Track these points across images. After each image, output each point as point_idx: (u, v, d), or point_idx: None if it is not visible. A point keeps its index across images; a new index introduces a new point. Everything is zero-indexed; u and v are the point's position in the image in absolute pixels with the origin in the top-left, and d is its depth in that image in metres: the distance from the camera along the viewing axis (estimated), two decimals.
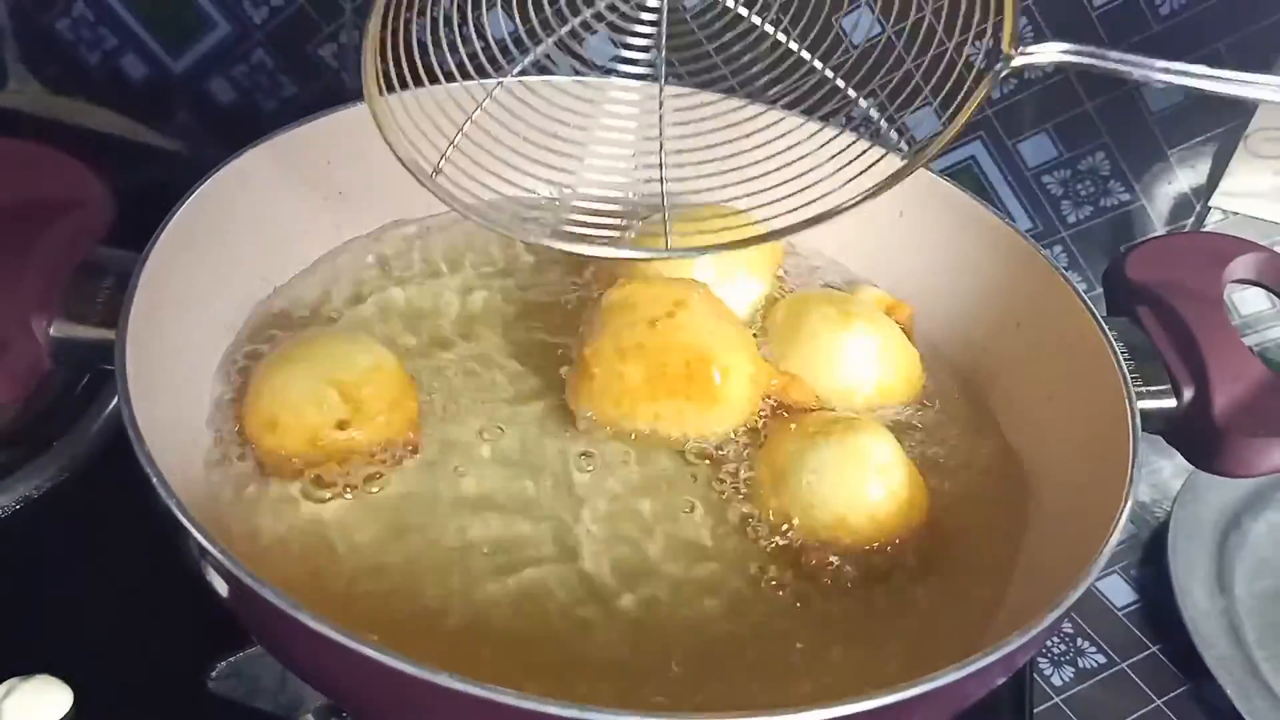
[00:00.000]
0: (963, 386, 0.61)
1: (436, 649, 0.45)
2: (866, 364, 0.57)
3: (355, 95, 0.83)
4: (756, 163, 0.54)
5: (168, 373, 0.50)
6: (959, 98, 0.51)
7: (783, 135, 0.54)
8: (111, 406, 0.61)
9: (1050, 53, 0.50)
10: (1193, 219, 0.76)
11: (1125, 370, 0.52)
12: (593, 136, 0.57)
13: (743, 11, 0.56)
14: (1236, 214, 0.76)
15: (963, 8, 0.50)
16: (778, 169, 0.53)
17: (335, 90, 0.83)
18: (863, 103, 0.55)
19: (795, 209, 0.53)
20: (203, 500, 0.49)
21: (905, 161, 0.53)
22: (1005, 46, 0.50)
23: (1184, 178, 0.74)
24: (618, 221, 0.55)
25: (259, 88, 0.84)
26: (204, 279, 0.53)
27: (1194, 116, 0.71)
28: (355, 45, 0.81)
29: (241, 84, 0.84)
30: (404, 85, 0.51)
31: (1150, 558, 0.70)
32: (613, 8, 0.54)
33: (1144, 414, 0.51)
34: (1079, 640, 0.67)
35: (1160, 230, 0.76)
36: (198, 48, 0.83)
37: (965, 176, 0.75)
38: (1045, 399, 0.57)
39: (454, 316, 0.60)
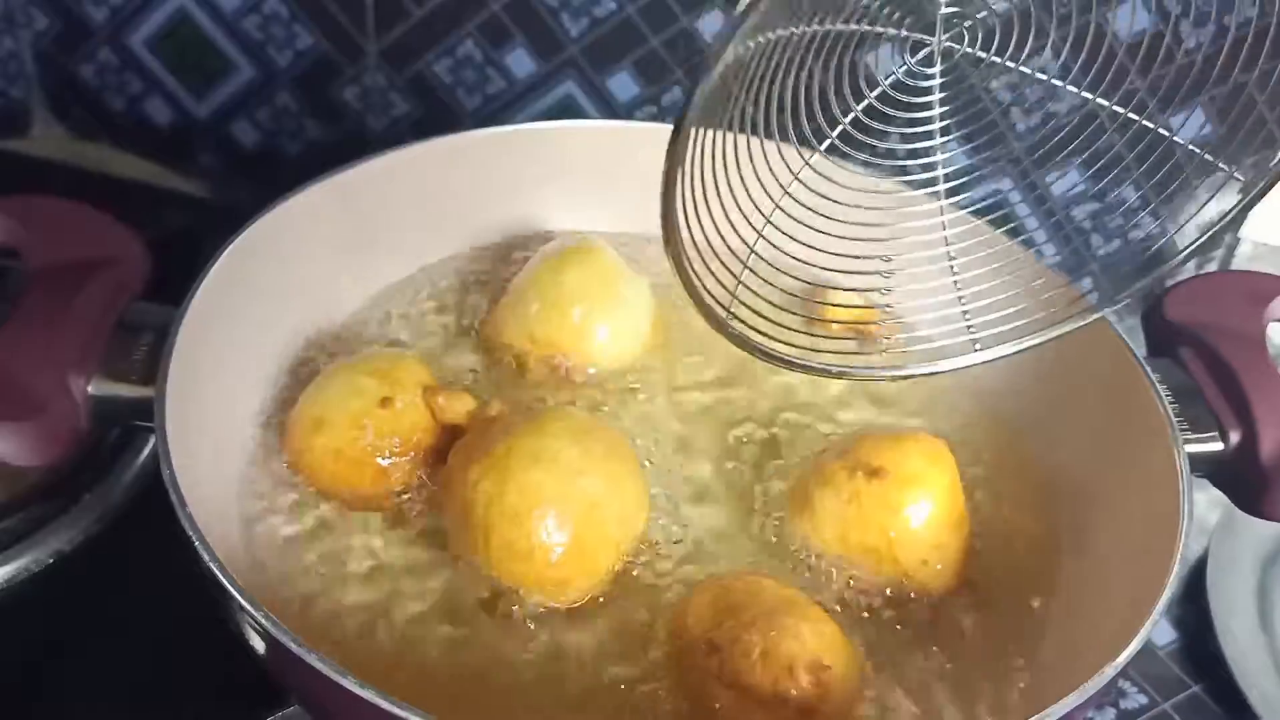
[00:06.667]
0: (1004, 435, 0.59)
1: (477, 717, 0.44)
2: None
3: (378, 137, 0.85)
4: None
5: (207, 429, 0.49)
6: None
7: None
8: (143, 459, 0.61)
9: None
10: (1222, 250, 0.75)
11: (1171, 413, 0.52)
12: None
13: None
14: (1266, 245, 0.75)
15: None
16: None
17: (359, 132, 0.83)
18: None
19: None
20: (241, 556, 0.49)
21: None
22: None
23: (1213, 208, 0.73)
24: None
25: (283, 130, 0.84)
26: (240, 333, 0.53)
27: (1223, 147, 0.71)
28: (379, 88, 0.81)
29: (265, 127, 0.84)
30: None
31: (1190, 594, 0.69)
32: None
33: (1190, 458, 0.50)
34: (1120, 681, 0.65)
35: (1190, 263, 0.75)
36: (221, 91, 0.83)
37: (993, 211, 0.74)
38: (1088, 442, 0.56)
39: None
